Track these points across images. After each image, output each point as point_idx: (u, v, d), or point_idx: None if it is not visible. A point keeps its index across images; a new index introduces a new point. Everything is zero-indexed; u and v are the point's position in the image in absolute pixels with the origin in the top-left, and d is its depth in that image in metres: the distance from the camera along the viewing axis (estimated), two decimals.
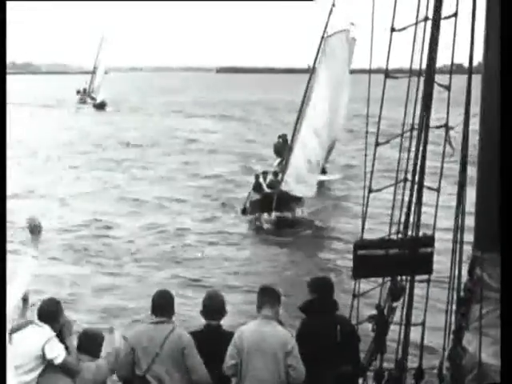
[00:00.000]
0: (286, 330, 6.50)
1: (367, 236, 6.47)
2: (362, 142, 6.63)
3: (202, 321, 6.86)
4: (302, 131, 24.68)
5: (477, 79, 5.67)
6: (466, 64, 5.81)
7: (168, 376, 6.33)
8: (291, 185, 24.27)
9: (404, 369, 6.41)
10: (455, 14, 5.81)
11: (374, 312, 6.51)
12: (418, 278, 6.36)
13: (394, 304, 6.44)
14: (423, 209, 6.20)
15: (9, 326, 5.86)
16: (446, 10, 5.87)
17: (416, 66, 6.03)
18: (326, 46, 24.87)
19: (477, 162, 5.69)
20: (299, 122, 24.77)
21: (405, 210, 6.27)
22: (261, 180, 25.27)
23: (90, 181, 32.90)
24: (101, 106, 78.10)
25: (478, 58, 5.70)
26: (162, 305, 6.59)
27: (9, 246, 5.65)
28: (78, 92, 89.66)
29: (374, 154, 6.33)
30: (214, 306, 6.75)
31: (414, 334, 6.43)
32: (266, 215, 23.36)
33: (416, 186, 6.15)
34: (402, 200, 6.29)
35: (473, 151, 5.83)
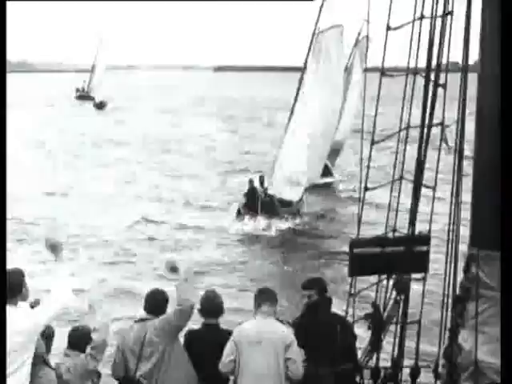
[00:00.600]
0: (286, 326, 6.52)
1: None
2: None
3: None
4: (289, 130, 24.38)
5: (473, 77, 5.68)
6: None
7: (155, 373, 6.32)
8: (278, 187, 24.01)
9: (400, 366, 6.42)
10: (450, 13, 5.82)
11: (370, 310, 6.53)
12: (414, 276, 6.37)
13: (398, 297, 6.43)
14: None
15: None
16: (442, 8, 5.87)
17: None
18: (317, 43, 24.54)
19: (472, 159, 5.70)
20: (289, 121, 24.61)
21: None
22: (256, 184, 25.01)
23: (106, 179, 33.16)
24: (101, 106, 77.45)
25: (474, 56, 5.71)
26: (151, 303, 6.60)
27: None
28: (78, 90, 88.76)
29: (370, 153, 6.34)
30: (211, 305, 6.76)
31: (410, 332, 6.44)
32: (249, 219, 23.37)
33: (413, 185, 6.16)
34: (398, 198, 6.30)
35: (468, 149, 5.84)
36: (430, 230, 6.27)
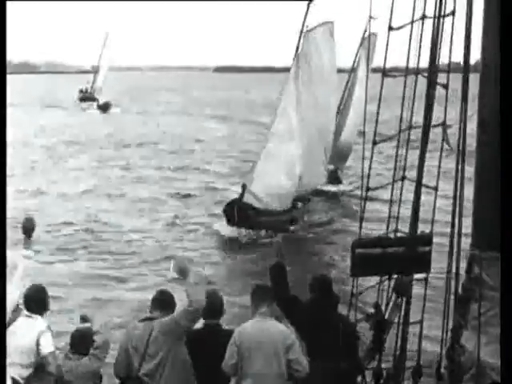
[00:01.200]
0: (285, 325, 6.50)
1: None
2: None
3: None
4: (272, 134, 23.35)
5: (476, 77, 5.67)
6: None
7: (158, 372, 6.32)
8: (257, 196, 22.87)
9: (402, 367, 6.41)
10: (453, 13, 5.81)
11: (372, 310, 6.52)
12: (416, 276, 6.36)
13: (398, 300, 6.43)
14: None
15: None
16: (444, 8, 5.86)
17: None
18: (305, 41, 23.72)
19: (475, 159, 5.70)
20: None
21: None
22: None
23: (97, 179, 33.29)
24: (105, 107, 75.83)
25: (477, 56, 5.71)
26: (155, 302, 6.60)
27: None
28: (81, 91, 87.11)
29: (372, 153, 6.33)
30: (212, 305, 6.75)
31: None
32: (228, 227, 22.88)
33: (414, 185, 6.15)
34: (400, 198, 6.29)
35: (470, 149, 5.83)
36: (431, 231, 6.26)
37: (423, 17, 5.91)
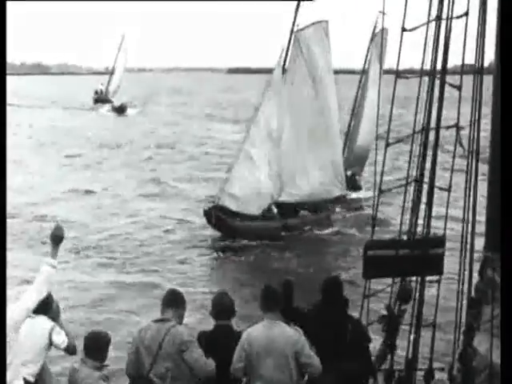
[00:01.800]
0: (294, 329, 6.48)
1: None
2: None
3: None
4: (249, 135, 22.88)
5: (490, 79, 5.65)
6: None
7: (170, 374, 6.32)
8: (234, 196, 22.36)
9: (414, 369, 6.39)
10: (466, 14, 5.79)
11: (385, 312, 6.50)
12: (428, 278, 6.34)
13: (403, 307, 6.42)
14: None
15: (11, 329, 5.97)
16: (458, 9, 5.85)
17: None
18: (296, 41, 23.08)
19: (488, 161, 5.67)
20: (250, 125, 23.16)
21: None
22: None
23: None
24: (121, 110, 74.44)
25: (491, 57, 5.68)
26: (167, 302, 6.60)
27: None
28: (96, 93, 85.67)
29: (385, 155, 6.32)
30: (223, 307, 6.74)
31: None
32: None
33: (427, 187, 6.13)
34: (413, 200, 6.26)
35: (484, 151, 5.80)
36: (444, 233, 6.24)
37: (437, 18, 5.89)
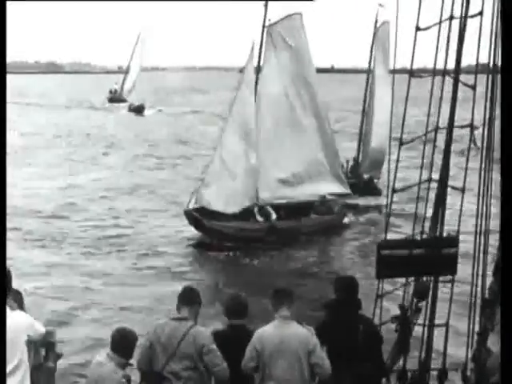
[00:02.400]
0: (306, 328, 6.48)
1: None
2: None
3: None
4: (224, 134, 22.38)
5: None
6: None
7: (185, 373, 6.34)
8: (209, 198, 21.86)
9: (427, 369, 6.37)
10: (480, 13, 5.76)
11: (398, 312, 6.48)
12: (441, 278, 6.32)
13: (420, 304, 6.39)
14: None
15: None
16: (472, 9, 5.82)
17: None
18: (269, 36, 22.39)
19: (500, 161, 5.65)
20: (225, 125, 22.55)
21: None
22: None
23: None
24: (138, 110, 72.59)
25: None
26: (182, 299, 6.61)
27: None
28: (110, 92, 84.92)
29: (398, 154, 6.30)
30: (236, 306, 6.76)
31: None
32: None
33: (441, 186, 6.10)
34: (426, 200, 6.24)
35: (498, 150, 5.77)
36: (458, 232, 6.22)
37: (451, 17, 5.87)
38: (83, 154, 42.98)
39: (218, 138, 22.94)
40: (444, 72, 6.01)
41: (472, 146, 6.12)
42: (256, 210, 22.57)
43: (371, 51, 28.36)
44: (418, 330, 6.45)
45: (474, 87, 5.97)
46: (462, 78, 5.99)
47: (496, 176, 5.80)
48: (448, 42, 5.92)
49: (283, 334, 6.32)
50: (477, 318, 6.06)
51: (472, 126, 6.15)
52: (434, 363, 6.44)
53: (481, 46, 5.85)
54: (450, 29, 5.86)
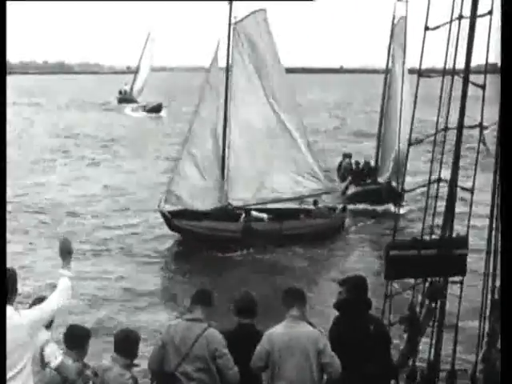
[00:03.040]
0: (316, 328, 6.46)
1: None
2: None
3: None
4: (191, 133, 22.21)
5: None
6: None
7: (197, 374, 6.35)
8: (178, 196, 21.71)
9: (437, 370, 6.35)
10: (490, 12, 5.73)
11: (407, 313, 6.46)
12: (451, 279, 6.29)
13: (433, 305, 6.35)
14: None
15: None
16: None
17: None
18: (236, 34, 22.14)
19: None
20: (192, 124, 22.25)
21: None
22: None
23: None
24: (156, 110, 71.06)
25: None
26: (195, 301, 6.60)
27: None
28: (120, 93, 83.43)
29: (407, 154, 6.29)
30: (246, 306, 6.75)
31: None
32: None
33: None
34: (436, 200, 6.22)
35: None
36: (468, 233, 6.19)
37: (460, 17, 5.84)
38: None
39: (186, 138, 22.64)
40: (453, 72, 5.98)
41: (481, 146, 6.10)
42: (243, 216, 21.99)
43: (389, 48, 27.08)
44: (427, 331, 6.42)
45: (483, 87, 5.94)
46: (471, 77, 5.97)
47: None
48: (457, 41, 5.89)
49: (293, 333, 6.31)
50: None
51: (481, 126, 6.12)
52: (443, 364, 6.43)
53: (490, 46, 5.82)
54: (460, 28, 5.84)
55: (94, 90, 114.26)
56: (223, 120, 22.06)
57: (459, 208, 6.21)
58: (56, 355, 6.22)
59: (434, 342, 6.33)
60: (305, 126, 23.70)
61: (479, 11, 5.82)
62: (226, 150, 22.07)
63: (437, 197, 6.21)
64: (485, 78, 5.93)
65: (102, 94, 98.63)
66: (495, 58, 5.85)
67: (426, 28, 5.97)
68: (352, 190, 27.11)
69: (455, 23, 5.89)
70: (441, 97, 6.05)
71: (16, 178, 28.51)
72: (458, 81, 6.00)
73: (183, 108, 75.04)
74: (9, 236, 19.99)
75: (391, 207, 24.95)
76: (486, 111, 6.03)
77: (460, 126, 6.02)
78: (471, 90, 6.00)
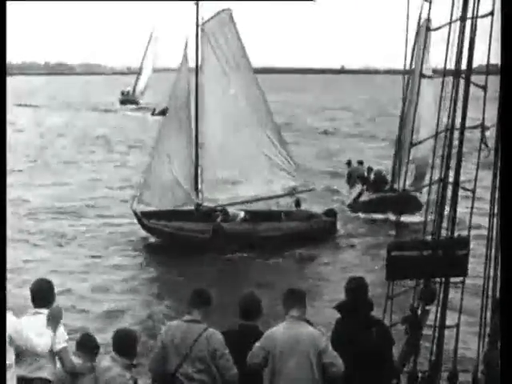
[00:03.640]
0: (316, 329, 6.46)
1: None
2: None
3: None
4: (162, 132, 22.34)
5: None
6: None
7: (198, 375, 6.35)
8: (149, 197, 21.69)
9: (438, 371, 6.34)
10: (491, 13, 5.74)
11: (408, 314, 6.46)
12: (452, 280, 6.29)
13: (427, 307, 6.37)
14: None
15: None
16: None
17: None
18: (204, 35, 22.23)
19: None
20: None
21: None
22: None
23: None
24: (164, 113, 69.25)
25: None
26: (193, 301, 6.60)
27: None
28: (123, 94, 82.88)
29: (408, 155, 6.30)
30: (249, 307, 6.75)
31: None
32: None
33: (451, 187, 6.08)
34: (437, 200, 6.21)
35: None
36: (469, 233, 6.19)
37: (462, 18, 5.84)
38: None
39: (157, 137, 22.78)
40: (455, 73, 5.98)
41: (483, 146, 6.10)
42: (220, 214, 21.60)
43: (413, 50, 24.56)
44: (428, 332, 6.42)
45: (484, 88, 5.94)
46: (472, 78, 5.97)
47: None
48: (459, 42, 5.90)
49: (293, 333, 6.30)
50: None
51: (483, 127, 6.12)
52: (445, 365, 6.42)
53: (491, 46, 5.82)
54: (461, 29, 5.84)
55: (97, 92, 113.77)
56: (195, 120, 22.01)
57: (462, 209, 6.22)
58: (61, 341, 6.31)
59: (435, 342, 6.32)
60: (276, 123, 23.52)
61: (480, 12, 5.82)
62: (199, 150, 22.01)
63: (439, 197, 6.21)
64: (486, 78, 5.94)
65: (105, 95, 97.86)
66: (495, 58, 5.87)
67: (427, 29, 5.98)
68: (365, 197, 25.67)
69: (457, 24, 5.90)
70: (441, 98, 6.06)
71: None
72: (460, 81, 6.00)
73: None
74: None
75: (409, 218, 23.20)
76: (486, 111, 6.03)
77: (462, 127, 6.02)
78: (471, 90, 6.01)
